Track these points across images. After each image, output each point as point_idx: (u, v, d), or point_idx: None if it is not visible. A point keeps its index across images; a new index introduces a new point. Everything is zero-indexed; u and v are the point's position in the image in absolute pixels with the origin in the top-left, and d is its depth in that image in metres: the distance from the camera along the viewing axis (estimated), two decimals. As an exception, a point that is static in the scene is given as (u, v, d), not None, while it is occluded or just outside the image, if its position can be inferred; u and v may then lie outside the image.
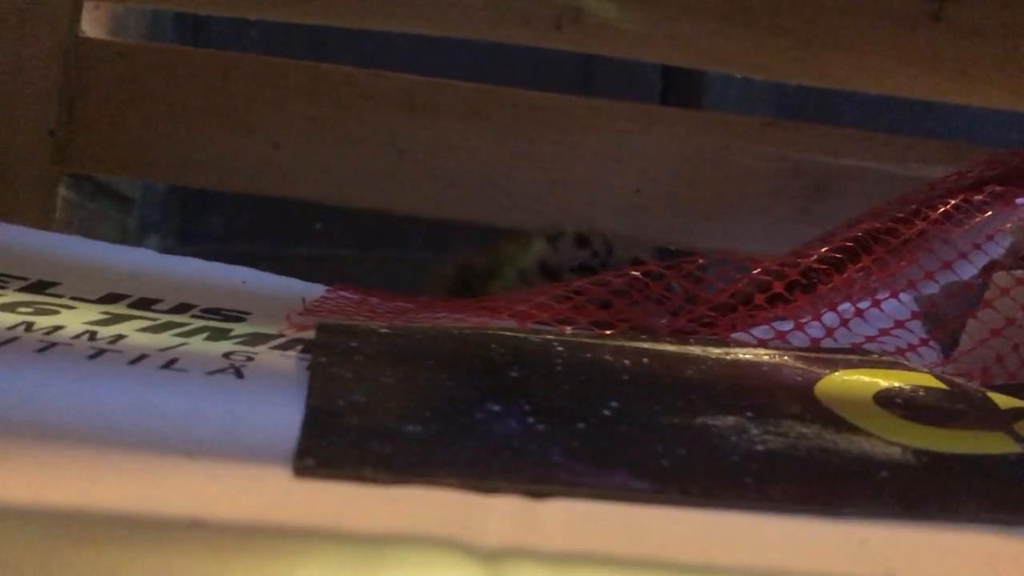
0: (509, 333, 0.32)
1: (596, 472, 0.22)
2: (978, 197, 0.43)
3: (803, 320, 0.37)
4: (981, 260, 0.41)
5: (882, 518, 0.21)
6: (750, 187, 0.65)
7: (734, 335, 0.37)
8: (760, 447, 0.25)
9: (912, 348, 0.38)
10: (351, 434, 0.22)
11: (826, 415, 0.28)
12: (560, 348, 0.31)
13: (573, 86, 0.99)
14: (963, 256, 0.40)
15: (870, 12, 0.69)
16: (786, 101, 1.05)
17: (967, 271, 0.40)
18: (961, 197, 0.41)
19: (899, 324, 0.38)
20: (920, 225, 0.39)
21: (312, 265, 1.11)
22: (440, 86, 0.65)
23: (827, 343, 0.37)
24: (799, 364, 0.33)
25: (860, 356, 0.34)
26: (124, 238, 0.98)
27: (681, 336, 0.35)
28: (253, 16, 0.67)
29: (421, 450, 0.21)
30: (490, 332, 0.32)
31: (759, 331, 0.38)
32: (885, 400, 0.30)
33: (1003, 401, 0.31)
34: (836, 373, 0.32)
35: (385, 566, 0.15)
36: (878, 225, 0.40)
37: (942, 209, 0.40)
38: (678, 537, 0.19)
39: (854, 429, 0.27)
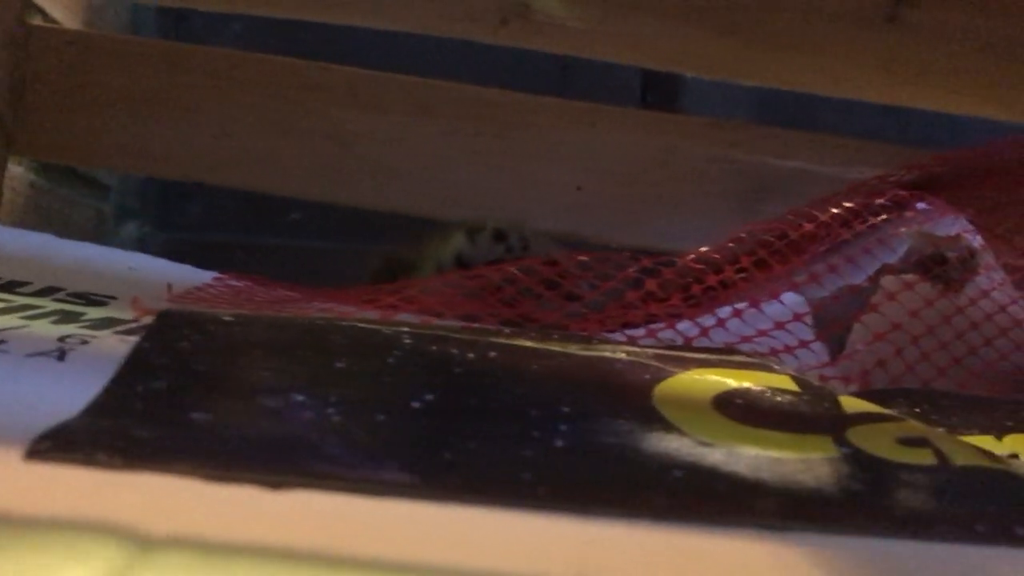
0: (361, 325, 0.32)
1: (364, 465, 0.22)
2: (879, 201, 0.42)
3: (676, 319, 0.37)
4: (873, 264, 0.41)
5: (640, 518, 0.21)
6: (694, 187, 0.64)
7: (608, 332, 0.37)
8: (560, 443, 0.25)
9: (792, 349, 0.37)
10: (109, 419, 0.22)
11: (648, 415, 0.27)
12: (408, 341, 0.31)
13: (550, 87, 0.98)
14: (851, 260, 0.40)
15: (823, 13, 0.68)
16: (766, 103, 1.04)
17: (858, 275, 0.40)
18: (858, 201, 0.41)
19: (779, 326, 0.38)
20: (807, 228, 0.39)
21: (288, 256, 1.12)
22: (385, 80, 0.65)
23: (701, 342, 0.37)
24: (654, 363, 0.32)
25: (722, 356, 0.34)
26: (101, 225, 0.99)
27: (545, 332, 0.35)
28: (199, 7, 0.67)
29: (177, 437, 0.21)
30: (340, 323, 0.32)
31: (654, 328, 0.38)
32: (723, 402, 0.29)
33: (853, 406, 0.31)
34: (688, 372, 0.32)
35: (28, 548, 0.15)
36: (768, 227, 0.39)
37: (834, 212, 0.40)
38: (414, 533, 0.19)
39: (669, 428, 0.27)
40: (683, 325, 0.38)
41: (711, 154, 0.65)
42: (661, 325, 0.37)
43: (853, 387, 0.37)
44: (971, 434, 0.33)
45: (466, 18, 0.66)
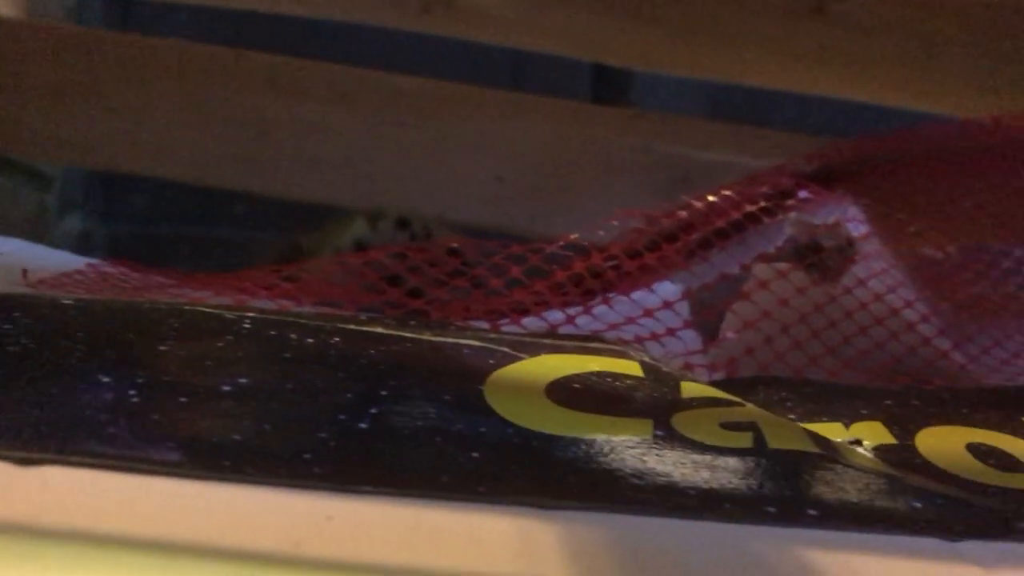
0: (206, 310, 0.32)
1: (139, 446, 0.22)
2: (760, 189, 0.42)
3: (544, 306, 0.36)
4: (752, 252, 0.41)
5: (413, 497, 0.21)
6: (615, 178, 0.64)
7: (476, 320, 0.37)
8: (363, 426, 0.25)
9: (659, 337, 0.37)
10: None
11: (469, 399, 0.27)
12: (247, 326, 0.31)
13: (502, 80, 0.98)
14: (728, 249, 0.40)
15: (751, 4, 0.68)
16: (719, 98, 1.04)
17: (734, 263, 0.40)
18: (738, 189, 0.41)
19: (648, 313, 0.38)
20: (681, 216, 0.39)
21: (233, 248, 1.11)
22: (305, 67, 0.65)
23: (568, 330, 0.37)
24: (504, 349, 0.32)
25: (579, 343, 0.34)
26: (43, 217, 0.99)
27: (403, 319, 0.34)
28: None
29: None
30: (184, 307, 0.32)
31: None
32: (557, 387, 0.29)
33: (693, 391, 0.30)
34: (536, 358, 0.32)
35: None
36: (641, 214, 0.39)
37: (710, 200, 0.40)
38: (165, 510, 0.19)
39: (486, 413, 0.26)
40: (557, 314, 0.38)
41: (632, 145, 0.65)
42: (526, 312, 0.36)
43: (719, 374, 0.37)
44: (820, 421, 0.33)
45: (388, 4, 0.65)
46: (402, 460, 0.23)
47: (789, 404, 0.34)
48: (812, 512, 0.23)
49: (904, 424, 0.33)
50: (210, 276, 0.40)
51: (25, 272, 0.36)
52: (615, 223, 0.39)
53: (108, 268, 0.40)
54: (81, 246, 1.03)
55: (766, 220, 0.40)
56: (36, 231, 0.97)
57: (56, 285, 0.37)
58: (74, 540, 0.17)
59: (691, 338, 0.38)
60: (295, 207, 0.84)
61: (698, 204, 0.40)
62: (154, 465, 0.21)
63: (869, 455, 0.30)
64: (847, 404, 0.35)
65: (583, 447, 0.25)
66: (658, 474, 0.24)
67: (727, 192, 0.41)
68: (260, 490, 0.20)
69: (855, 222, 0.43)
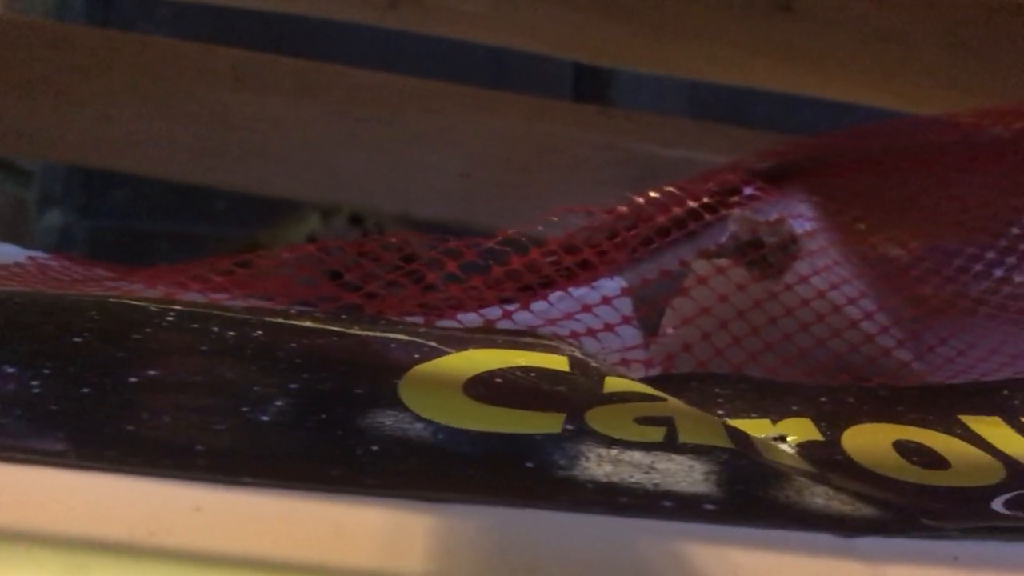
0: (131, 303, 0.32)
1: (27, 435, 0.22)
2: (706, 186, 0.42)
3: (480, 301, 0.36)
4: (694, 249, 0.40)
5: (298, 489, 0.21)
6: (579, 175, 0.64)
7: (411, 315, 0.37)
8: (264, 418, 0.25)
9: (595, 332, 0.37)
10: None
11: (381, 394, 0.27)
12: (170, 318, 0.31)
13: (484, 79, 0.98)
14: (671, 245, 0.39)
15: (719, 1, 0.68)
16: (699, 96, 1.04)
17: (674, 259, 0.40)
18: (682, 186, 0.41)
19: (587, 309, 0.37)
20: (620, 211, 0.38)
21: (213, 244, 1.11)
22: (269, 62, 0.65)
23: (504, 324, 0.37)
24: (432, 343, 0.32)
25: (512, 337, 0.34)
26: (22, 212, 0.98)
27: (335, 314, 0.34)
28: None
29: None
30: (109, 300, 0.31)
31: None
32: (476, 381, 0.29)
33: (616, 386, 0.30)
34: (464, 352, 0.32)
35: None
36: (582, 209, 0.39)
37: (652, 196, 0.39)
38: (34, 499, 0.19)
39: (394, 406, 0.26)
40: (496, 310, 0.38)
41: (598, 141, 0.65)
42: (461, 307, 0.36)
43: (656, 370, 0.37)
44: (748, 417, 0.33)
45: (355, 1, 0.65)
46: (293, 452, 0.23)
47: (720, 400, 0.34)
48: (709, 507, 0.23)
49: (834, 421, 0.33)
50: (150, 270, 0.40)
51: (-41, 264, 0.36)
52: (555, 219, 0.39)
53: (50, 261, 0.40)
54: (61, 241, 1.03)
55: (708, 217, 0.40)
56: (15, 226, 0.97)
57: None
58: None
59: (631, 334, 0.38)
60: (274, 203, 0.84)
61: (641, 200, 0.40)
62: (35, 454, 0.21)
63: (791, 451, 0.30)
64: (779, 401, 0.35)
65: (488, 441, 0.25)
66: (559, 468, 0.24)
67: (671, 188, 0.41)
68: (134, 480, 0.19)
69: (801, 219, 0.42)
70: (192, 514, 0.18)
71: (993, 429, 0.34)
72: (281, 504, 0.19)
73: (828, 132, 0.51)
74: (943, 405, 0.36)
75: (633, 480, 0.24)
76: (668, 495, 0.23)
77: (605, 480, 0.24)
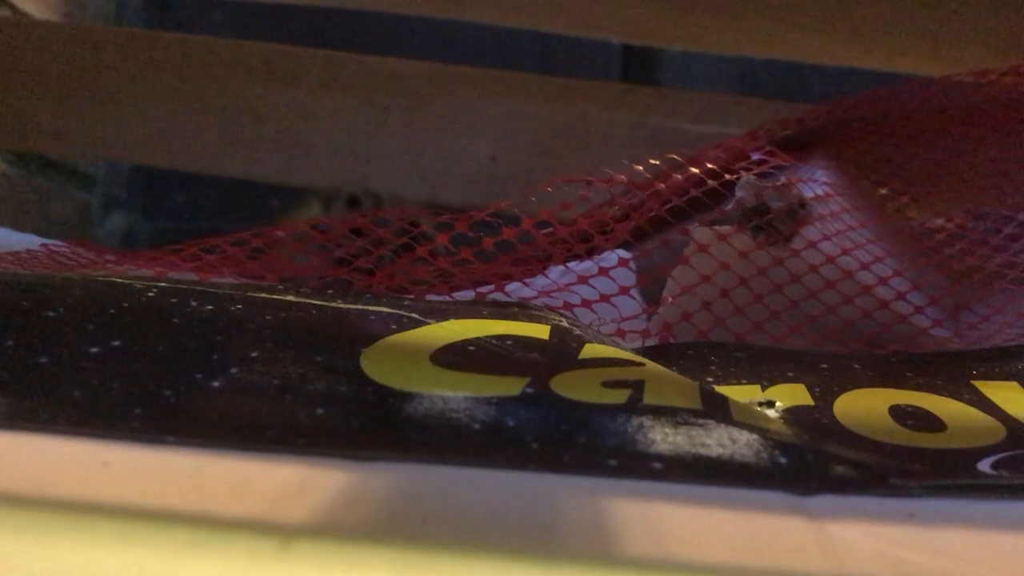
0: (117, 280, 0.32)
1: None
2: (715, 153, 0.41)
3: (471, 276, 0.36)
4: (697, 216, 0.39)
5: (235, 449, 0.21)
6: (607, 154, 0.63)
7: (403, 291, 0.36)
8: (216, 384, 0.25)
9: (590, 303, 0.36)
10: None
11: (341, 361, 0.27)
12: (151, 294, 0.31)
13: (530, 64, 0.98)
14: (675, 213, 0.38)
15: (753, -26, 0.66)
16: (750, 75, 1.01)
17: (673, 228, 0.39)
18: (685, 154, 0.39)
19: (583, 280, 0.37)
20: (618, 179, 0.38)
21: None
22: (298, 54, 0.65)
23: (494, 297, 0.36)
24: (413, 315, 0.32)
25: (493, 308, 0.33)
26: (87, 216, 1.01)
27: (320, 289, 0.34)
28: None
29: None
30: (94, 279, 0.32)
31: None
32: (451, 349, 0.29)
33: (598, 353, 0.30)
34: (444, 323, 0.31)
35: None
36: (579, 179, 0.38)
37: (653, 163, 0.38)
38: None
39: (352, 374, 0.26)
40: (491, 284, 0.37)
41: (625, 120, 0.63)
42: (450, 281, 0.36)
43: (653, 341, 0.36)
44: (737, 383, 0.31)
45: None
46: (230, 414, 0.23)
47: (712, 367, 0.33)
48: (657, 465, 0.22)
49: (829, 387, 0.31)
50: (154, 252, 0.41)
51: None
52: (549, 190, 0.38)
53: (62, 248, 0.41)
54: (125, 243, 1.06)
55: (712, 183, 0.39)
56: (81, 230, 1.00)
57: (8, 263, 0.37)
58: None
59: (630, 305, 0.37)
60: (298, 195, 0.84)
61: (640, 169, 0.39)
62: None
63: (775, 416, 0.29)
64: (775, 367, 0.33)
65: (437, 403, 0.25)
66: (505, 428, 0.24)
67: (674, 156, 0.40)
68: (50, 439, 0.20)
69: (813, 183, 0.41)
70: (100, 469, 0.18)
71: (1007, 393, 0.32)
72: (195, 461, 0.19)
73: (851, 96, 0.49)
74: (957, 370, 0.35)
75: (582, 440, 0.23)
76: (615, 453, 0.22)
77: (552, 440, 0.23)
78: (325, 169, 0.65)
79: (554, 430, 0.24)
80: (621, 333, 0.36)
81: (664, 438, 0.24)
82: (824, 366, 0.34)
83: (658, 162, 0.39)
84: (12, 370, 0.24)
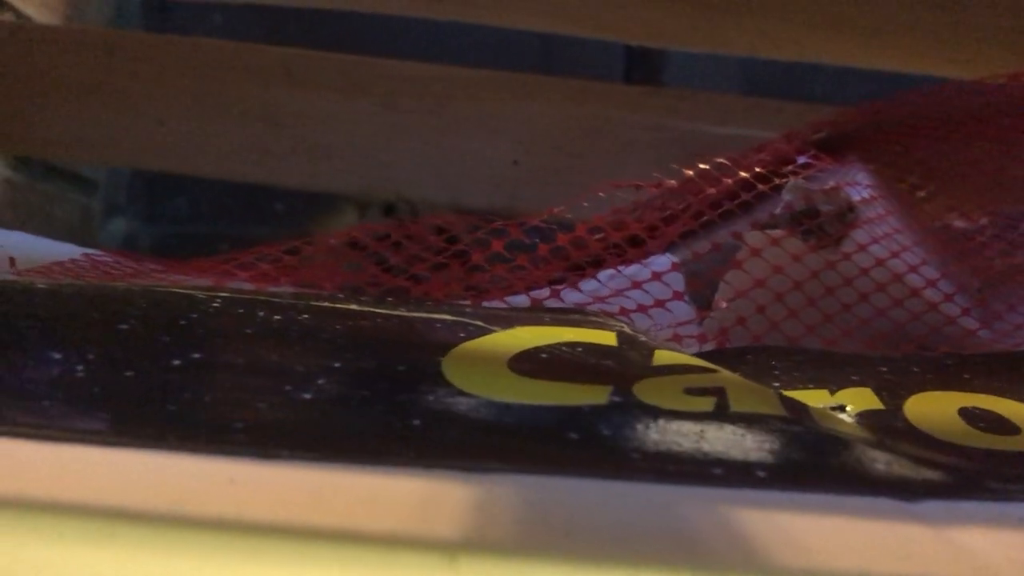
0: (177, 291, 0.32)
1: (70, 416, 0.22)
2: (759, 157, 0.41)
3: (527, 282, 0.36)
4: (748, 221, 0.39)
5: (341, 461, 0.20)
6: (629, 157, 0.63)
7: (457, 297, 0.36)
8: (307, 396, 0.24)
9: (646, 308, 0.36)
10: None
11: (425, 371, 0.27)
12: (216, 304, 0.31)
13: (532, 65, 0.98)
14: (724, 218, 0.38)
15: (769, -25, 0.66)
16: (753, 76, 1.02)
17: (724, 232, 0.39)
18: (733, 158, 0.40)
19: (636, 285, 0.37)
20: (669, 185, 0.38)
21: (272, 245, 1.11)
22: (318, 59, 0.65)
23: (551, 303, 0.36)
24: (477, 322, 0.32)
25: (557, 314, 0.33)
26: (87, 221, 1.01)
27: (380, 297, 0.34)
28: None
29: None
30: (155, 289, 0.32)
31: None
32: (521, 357, 0.29)
33: (670, 359, 0.30)
34: (510, 330, 0.31)
35: None
36: (628, 184, 0.38)
37: (702, 168, 0.39)
38: (83, 476, 0.19)
39: (438, 383, 0.26)
40: (544, 290, 0.37)
41: (647, 122, 0.64)
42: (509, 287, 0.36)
43: (710, 345, 0.36)
44: (804, 388, 0.32)
45: (399, -7, 0.65)
46: (330, 426, 0.23)
47: (776, 372, 0.33)
48: (760, 474, 0.22)
49: (895, 390, 0.32)
50: (200, 261, 0.41)
51: (13, 260, 0.36)
52: (602, 195, 0.38)
53: (104, 257, 0.41)
54: (127, 247, 1.06)
55: (762, 187, 0.39)
56: (82, 234, 0.99)
57: (44, 273, 0.37)
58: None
59: (683, 309, 0.37)
60: (332, 202, 0.84)
61: (691, 173, 0.39)
62: (74, 433, 0.21)
63: (850, 420, 0.29)
64: (838, 371, 0.34)
65: (530, 413, 0.25)
66: (602, 438, 0.23)
67: (722, 161, 0.40)
68: (171, 456, 0.19)
69: (859, 187, 0.41)
70: (226, 486, 0.18)
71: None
72: (316, 476, 0.19)
73: (883, 98, 0.49)
74: (1012, 372, 0.35)
75: (681, 449, 0.23)
76: (718, 462, 0.23)
77: (652, 449, 0.23)
78: (346, 174, 0.65)
79: (650, 439, 0.24)
80: (678, 338, 0.36)
81: (761, 446, 0.24)
82: (883, 369, 0.34)
83: (704, 166, 0.39)
84: (104, 385, 0.24)
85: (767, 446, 0.24)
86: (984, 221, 0.45)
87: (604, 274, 0.39)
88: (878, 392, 0.31)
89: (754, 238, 0.37)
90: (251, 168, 0.65)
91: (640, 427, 0.24)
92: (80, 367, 0.25)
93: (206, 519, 0.17)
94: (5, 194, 0.82)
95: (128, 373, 0.25)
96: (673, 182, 0.38)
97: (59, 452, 0.20)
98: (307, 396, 0.25)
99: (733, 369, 0.32)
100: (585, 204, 0.37)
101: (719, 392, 0.27)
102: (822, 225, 0.38)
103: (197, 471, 0.19)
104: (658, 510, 0.20)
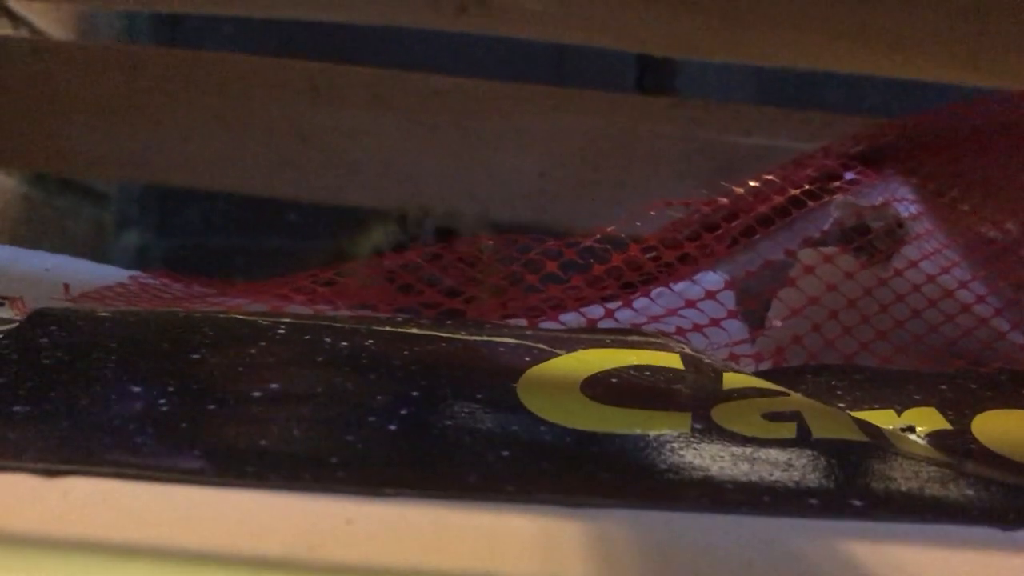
0: (240, 317, 0.32)
1: (165, 454, 0.22)
2: (805, 172, 0.41)
3: (581, 301, 0.36)
4: (797, 237, 0.39)
5: (440, 498, 0.20)
6: (655, 168, 0.63)
7: (512, 317, 0.36)
8: (393, 427, 0.24)
9: (701, 328, 0.36)
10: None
11: (503, 397, 0.27)
12: (281, 331, 0.31)
13: (546, 75, 0.98)
14: (772, 235, 0.38)
15: (792, -15, 0.66)
16: (766, 83, 1.02)
17: (778, 250, 0.39)
18: (781, 174, 0.40)
19: (690, 304, 0.37)
20: (722, 203, 0.38)
21: (286, 257, 1.12)
22: (343, 73, 0.65)
23: (606, 324, 0.36)
24: (541, 345, 0.32)
25: (617, 336, 0.33)
26: (100, 235, 1.01)
27: (439, 320, 0.34)
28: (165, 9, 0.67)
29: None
30: (218, 316, 0.32)
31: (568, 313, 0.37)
32: (592, 382, 0.28)
33: (736, 382, 0.30)
34: (574, 353, 0.31)
35: None
36: (680, 203, 0.38)
37: (752, 186, 0.39)
38: (185, 517, 0.19)
39: (517, 410, 0.26)
40: (596, 309, 0.37)
41: (673, 134, 0.64)
42: (563, 307, 0.36)
43: (766, 364, 0.36)
44: (870, 409, 0.32)
45: (424, 7, 0.65)
46: (427, 460, 0.22)
47: (839, 392, 0.33)
48: (856, 503, 0.22)
49: (959, 409, 0.32)
50: (249, 284, 0.41)
51: (67, 287, 0.36)
52: (653, 214, 0.38)
53: (150, 280, 0.41)
54: (139, 260, 1.05)
55: (811, 204, 0.39)
56: (95, 247, 0.99)
57: (97, 298, 0.37)
58: (89, 550, 0.16)
59: (736, 328, 0.37)
60: (345, 213, 0.84)
61: (740, 191, 0.39)
62: (177, 473, 0.21)
63: (922, 442, 0.29)
64: (899, 390, 0.34)
65: (617, 443, 0.25)
66: (695, 468, 0.23)
67: (770, 177, 0.40)
68: (279, 496, 0.19)
69: (905, 202, 0.41)
70: (345, 527, 0.18)
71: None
72: (428, 514, 0.19)
73: (921, 112, 0.49)
74: (1070, 388, 0.35)
75: (774, 478, 0.23)
76: (812, 492, 0.23)
77: (745, 480, 0.23)
78: (373, 189, 0.64)
79: (740, 470, 0.24)
80: (734, 358, 0.36)
81: (851, 474, 0.24)
82: (943, 387, 0.34)
83: (753, 183, 0.39)
84: (188, 418, 0.24)
85: (857, 474, 0.24)
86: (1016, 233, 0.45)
87: (654, 292, 0.39)
88: (943, 411, 0.31)
89: (807, 255, 0.38)
90: (277, 183, 0.65)
91: (728, 456, 0.24)
92: (162, 401, 0.25)
93: (330, 564, 0.16)
94: (22, 210, 0.82)
95: (211, 406, 0.25)
96: (724, 200, 0.38)
97: (165, 493, 0.20)
98: (392, 427, 0.24)
99: (794, 389, 0.32)
100: (638, 223, 0.37)
101: (797, 417, 0.27)
102: (873, 241, 0.38)
103: (312, 511, 0.19)
104: (764, 546, 0.20)
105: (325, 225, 1.09)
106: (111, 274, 0.41)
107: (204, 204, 1.10)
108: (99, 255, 0.99)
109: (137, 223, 1.09)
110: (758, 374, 0.33)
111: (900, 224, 0.39)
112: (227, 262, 1.09)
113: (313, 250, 1.11)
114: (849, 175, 0.40)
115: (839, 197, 0.39)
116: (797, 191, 0.39)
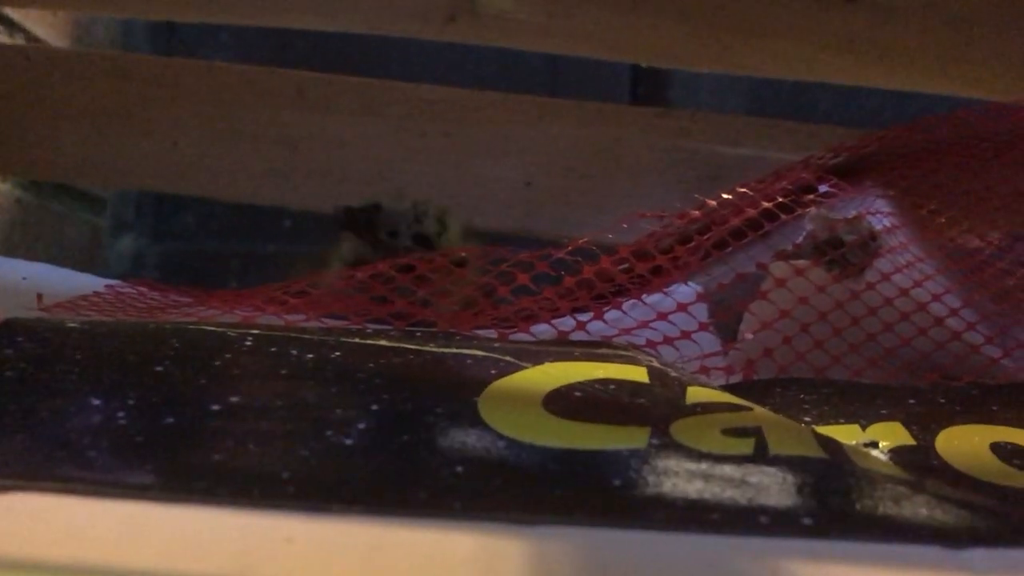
0: (209, 328, 0.32)
1: (116, 468, 0.22)
2: (781, 185, 0.41)
3: (552, 313, 0.36)
4: (770, 250, 0.39)
5: (386, 515, 0.20)
6: (642, 178, 0.63)
7: (483, 328, 0.36)
8: (348, 442, 0.24)
9: (672, 340, 0.36)
10: None
11: (462, 412, 0.27)
12: (249, 343, 0.31)
13: (539, 85, 0.98)
14: (745, 248, 0.39)
15: (780, -4, 0.67)
16: (758, 92, 1.02)
17: (750, 262, 0.39)
18: (755, 187, 0.40)
19: (662, 316, 0.37)
20: (697, 216, 0.38)
21: (282, 262, 1.12)
22: (331, 81, 0.65)
23: (577, 336, 0.36)
24: (508, 358, 0.32)
25: (587, 348, 0.33)
26: (95, 239, 1.01)
27: (409, 331, 0.34)
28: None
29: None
30: (187, 327, 0.32)
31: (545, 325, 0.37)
32: (555, 396, 0.29)
33: (699, 396, 0.30)
34: (540, 367, 0.31)
35: None
36: (653, 215, 0.38)
37: (724, 198, 0.39)
38: (119, 535, 0.19)
39: (476, 424, 0.26)
40: (568, 321, 0.37)
41: (660, 144, 0.64)
42: (534, 319, 0.36)
43: (736, 377, 0.36)
44: (835, 423, 0.32)
45: (413, 16, 0.65)
46: (378, 476, 0.23)
47: (806, 406, 0.33)
48: (807, 521, 0.22)
49: (925, 424, 0.32)
50: (226, 293, 0.41)
51: (40, 297, 0.36)
52: (625, 226, 0.38)
53: (127, 289, 0.41)
54: (134, 266, 1.06)
55: (784, 217, 0.39)
56: (91, 253, 0.99)
57: (71, 308, 0.37)
58: (27, 569, 0.16)
59: (708, 341, 0.38)
60: (341, 220, 0.84)
61: (713, 203, 0.39)
62: (125, 489, 0.21)
63: (884, 458, 0.29)
64: (867, 404, 0.34)
65: (573, 459, 0.25)
66: (648, 485, 0.24)
67: (744, 189, 0.40)
68: (223, 512, 0.19)
69: (879, 215, 0.41)
70: (284, 545, 0.18)
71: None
72: (371, 532, 0.19)
73: (899, 124, 0.49)
74: (1040, 403, 0.35)
75: (726, 496, 0.23)
76: (764, 510, 0.23)
77: (697, 496, 0.23)
78: (361, 196, 0.64)
79: (693, 487, 0.24)
80: (705, 370, 0.36)
81: (804, 491, 0.24)
82: (911, 401, 0.34)
83: (726, 195, 0.39)
84: (145, 432, 0.24)
85: (810, 492, 0.24)
86: (1003, 247, 0.45)
87: (627, 304, 0.39)
88: (908, 426, 0.31)
89: (779, 268, 0.38)
90: (265, 190, 0.65)
91: (683, 472, 0.24)
92: (121, 414, 0.25)
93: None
94: (16, 215, 0.82)
95: (169, 420, 0.25)
96: (697, 212, 0.38)
97: (111, 509, 0.20)
98: (348, 442, 0.25)
99: (761, 402, 0.32)
100: (610, 236, 0.37)
101: (757, 432, 0.27)
102: (845, 255, 0.38)
103: (254, 529, 0.19)
104: (707, 566, 0.20)
105: (320, 230, 1.09)
106: (88, 283, 0.41)
107: (200, 209, 1.11)
108: (94, 260, 0.99)
109: (132, 228, 1.09)
110: (726, 387, 0.33)
111: (873, 237, 0.39)
112: (223, 267, 1.09)
113: (308, 255, 1.12)
114: (823, 187, 0.40)
115: (813, 210, 0.39)
116: (771, 204, 0.39)
